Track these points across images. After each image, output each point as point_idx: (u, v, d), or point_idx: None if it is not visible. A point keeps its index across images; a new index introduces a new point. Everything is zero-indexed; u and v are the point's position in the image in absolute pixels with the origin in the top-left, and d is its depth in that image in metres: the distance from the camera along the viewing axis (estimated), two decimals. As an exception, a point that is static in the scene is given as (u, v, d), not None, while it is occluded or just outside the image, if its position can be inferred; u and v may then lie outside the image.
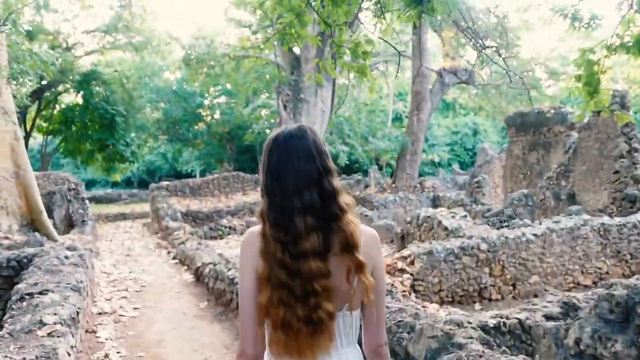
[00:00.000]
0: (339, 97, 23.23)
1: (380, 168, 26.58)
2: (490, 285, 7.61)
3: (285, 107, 21.39)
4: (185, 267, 9.95)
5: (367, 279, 1.63)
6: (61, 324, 4.35)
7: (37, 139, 36.06)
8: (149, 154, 44.89)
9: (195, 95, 39.01)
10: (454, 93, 31.11)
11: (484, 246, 7.56)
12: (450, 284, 7.43)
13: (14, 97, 10.33)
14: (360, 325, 1.80)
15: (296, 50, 23.01)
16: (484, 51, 8.62)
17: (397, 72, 8.51)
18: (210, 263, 8.31)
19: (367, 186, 28.03)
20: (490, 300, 7.71)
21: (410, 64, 28.72)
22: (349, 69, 5.06)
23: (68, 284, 5.07)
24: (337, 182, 1.67)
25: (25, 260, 6.13)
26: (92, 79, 29.47)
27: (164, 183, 18.44)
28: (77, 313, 4.74)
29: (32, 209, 9.95)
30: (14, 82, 9.62)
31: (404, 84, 37.80)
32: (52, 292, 4.85)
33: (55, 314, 4.43)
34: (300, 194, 1.59)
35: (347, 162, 23.12)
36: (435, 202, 14.79)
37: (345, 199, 1.67)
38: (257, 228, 1.73)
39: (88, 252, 9.17)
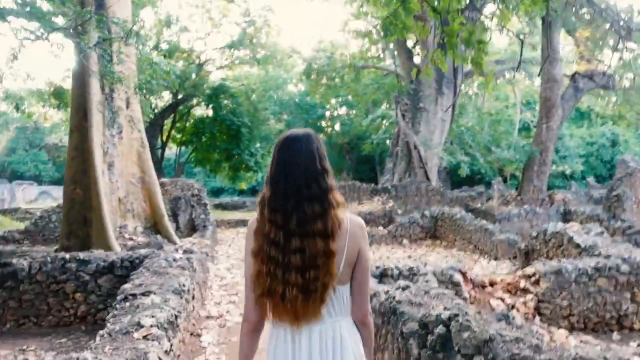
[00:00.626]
0: (460, 105, 22.28)
1: (505, 180, 24.96)
2: (633, 312, 6.56)
3: (403, 116, 20.86)
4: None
5: (335, 267, 1.86)
6: (157, 327, 4.26)
7: (172, 149, 38.61)
8: (273, 164, 46.13)
9: (317, 107, 39.72)
10: (589, 100, 28.53)
11: (625, 268, 6.53)
12: (583, 308, 6.49)
13: (149, 108, 10.93)
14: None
15: (416, 59, 22.44)
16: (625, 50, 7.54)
17: (520, 60, 7.69)
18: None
19: (489, 199, 26.53)
20: (631, 329, 6.64)
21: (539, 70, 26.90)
22: (463, 60, 4.52)
23: (170, 286, 5.04)
24: (332, 180, 1.93)
25: (137, 261, 6.27)
26: (221, 92, 31.02)
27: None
28: (176, 316, 4.65)
29: (155, 212, 10.40)
30: (145, 93, 10.08)
31: (532, 92, 35.57)
32: (154, 293, 4.83)
33: (152, 317, 4.35)
34: (309, 186, 1.83)
35: (468, 174, 21.98)
36: (566, 217, 13.44)
37: (336, 195, 1.90)
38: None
39: (204, 256, 9.35)
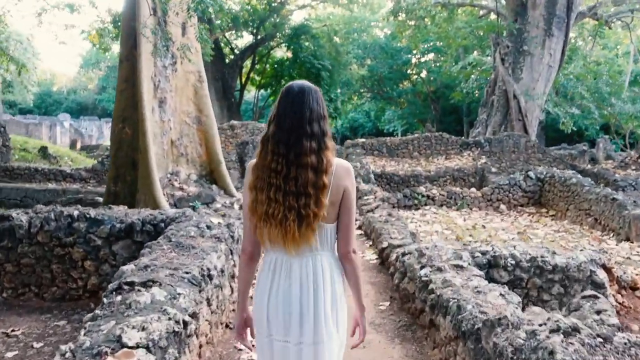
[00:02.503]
0: (570, 50, 19.12)
1: (623, 138, 21.58)
2: None
3: (503, 60, 18.06)
4: (370, 242, 8.05)
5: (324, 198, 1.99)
6: (147, 348, 2.65)
7: (251, 92, 37.39)
8: (353, 111, 44.20)
9: (403, 51, 36.82)
10: None
11: None
12: None
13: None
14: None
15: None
16: None
17: None
18: (398, 246, 6.25)
19: (592, 159, 23.32)
20: None
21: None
22: None
23: (188, 271, 3.44)
24: (328, 127, 2.07)
25: (162, 224, 4.74)
26: (302, 33, 29.06)
27: (360, 140, 16.79)
28: (185, 324, 3.02)
29: (211, 159, 8.90)
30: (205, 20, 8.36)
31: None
32: (160, 285, 3.23)
33: (143, 329, 2.74)
34: (311, 125, 1.98)
35: (573, 128, 18.98)
36: None
37: (330, 140, 2.05)
38: None
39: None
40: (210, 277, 3.77)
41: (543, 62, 17.60)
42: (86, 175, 14.90)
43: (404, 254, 5.28)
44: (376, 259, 7.11)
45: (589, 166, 15.31)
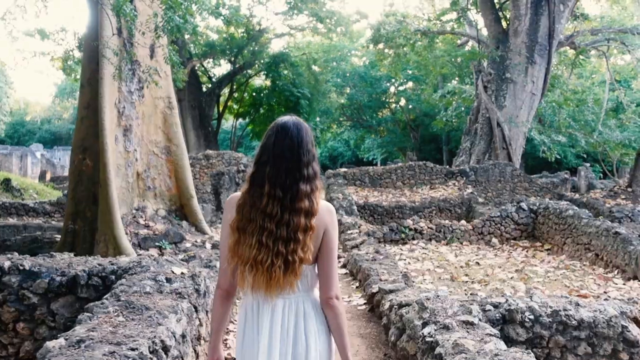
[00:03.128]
0: (552, 77, 18.85)
1: (611, 166, 21.26)
2: None
3: (485, 88, 17.69)
4: (357, 284, 7.28)
5: (311, 242, 1.96)
6: None
7: (229, 121, 36.73)
8: (332, 140, 43.77)
9: (382, 80, 36.66)
10: None
11: None
12: None
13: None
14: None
15: (504, 22, 19.07)
16: None
17: None
18: (391, 292, 5.50)
19: (574, 187, 23.01)
20: None
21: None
22: None
23: (133, 349, 2.64)
24: (318, 166, 2.03)
25: (112, 276, 3.91)
26: (281, 61, 28.58)
27: (342, 170, 16.12)
28: None
29: (182, 192, 8.09)
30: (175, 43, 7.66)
31: (627, 70, 31.13)
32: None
33: None
34: (307, 167, 1.96)
35: (557, 156, 18.58)
36: None
37: (319, 180, 2.03)
38: (239, 193, 2.04)
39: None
40: (165, 349, 2.95)
41: (526, 90, 17.27)
42: (50, 209, 13.91)
43: (400, 306, 4.52)
44: (364, 303, 6.35)
45: (577, 196, 14.82)
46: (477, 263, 8.37)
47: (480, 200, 13.84)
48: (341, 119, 38.18)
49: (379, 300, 5.65)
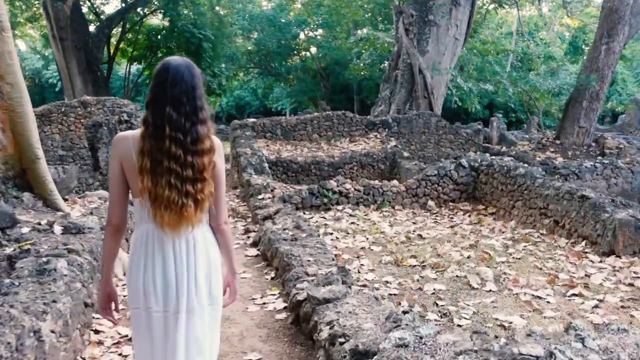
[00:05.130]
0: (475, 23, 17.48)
1: (543, 116, 20.46)
2: None
3: (407, 31, 15.96)
4: (273, 274, 5.36)
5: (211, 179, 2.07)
6: None
7: (121, 65, 32.82)
8: (239, 88, 40.89)
9: (292, 25, 34.06)
10: None
11: None
12: None
13: None
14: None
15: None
16: None
17: None
18: (327, 303, 3.64)
19: (485, 138, 22.40)
20: None
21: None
22: None
23: None
24: (208, 107, 2.07)
25: None
26: (180, -1, 25.21)
27: (250, 120, 13.89)
28: None
29: (23, 152, 5.66)
30: None
31: (532, 22, 30.83)
32: None
33: None
34: (202, 110, 2.01)
35: (477, 107, 17.45)
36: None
37: (211, 121, 2.09)
38: (131, 132, 2.07)
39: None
40: None
41: (449, 34, 15.78)
42: None
43: (356, 354, 2.63)
44: (284, 308, 4.45)
45: (505, 148, 13.71)
46: (420, 236, 6.72)
47: (405, 154, 12.29)
48: (248, 66, 35.39)
49: (308, 315, 3.76)
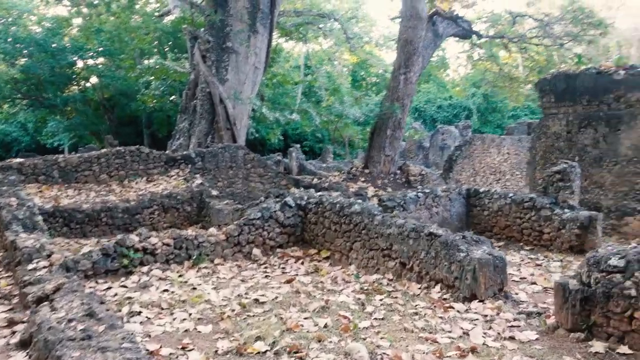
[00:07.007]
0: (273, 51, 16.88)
1: (344, 146, 20.43)
2: None
3: (204, 58, 14.59)
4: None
5: None
6: None
7: None
8: (3, 123, 34.88)
9: (67, 51, 29.99)
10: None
11: None
12: None
13: None
14: None
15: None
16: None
17: None
18: None
19: (286, 169, 22.10)
20: None
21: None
22: None
23: None
24: None
25: None
26: None
27: (15, 161, 10.96)
28: None
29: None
30: None
31: (321, 54, 32.07)
32: None
33: None
34: None
35: (280, 138, 16.80)
36: (471, 200, 9.27)
37: None
38: None
39: None
40: None
41: (249, 62, 14.83)
42: None
43: None
44: None
45: (317, 180, 13.07)
46: (257, 300, 5.29)
47: (214, 192, 10.80)
48: (14, 96, 30.26)
49: None
